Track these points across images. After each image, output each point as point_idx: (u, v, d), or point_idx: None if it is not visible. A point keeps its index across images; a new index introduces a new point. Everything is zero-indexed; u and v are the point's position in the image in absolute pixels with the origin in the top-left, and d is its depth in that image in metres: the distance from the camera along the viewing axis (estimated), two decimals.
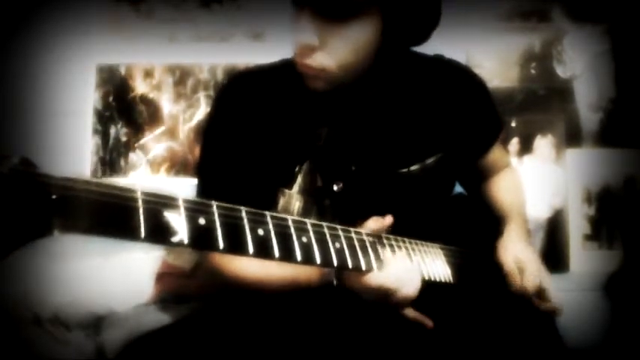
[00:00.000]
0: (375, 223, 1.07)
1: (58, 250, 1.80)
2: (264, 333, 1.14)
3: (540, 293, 1.25)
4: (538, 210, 2.20)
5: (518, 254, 1.27)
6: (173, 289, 1.78)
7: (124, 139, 2.22)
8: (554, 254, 2.20)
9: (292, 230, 0.82)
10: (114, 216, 0.60)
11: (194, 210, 0.69)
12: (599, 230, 2.22)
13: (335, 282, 1.05)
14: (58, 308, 1.69)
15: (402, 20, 1.10)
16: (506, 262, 1.26)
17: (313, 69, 1.10)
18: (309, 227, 0.86)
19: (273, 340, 1.12)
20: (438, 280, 1.17)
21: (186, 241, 0.66)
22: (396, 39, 1.13)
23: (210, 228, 0.70)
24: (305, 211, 1.23)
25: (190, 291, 1.72)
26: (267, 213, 0.80)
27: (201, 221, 0.69)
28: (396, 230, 1.10)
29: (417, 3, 1.09)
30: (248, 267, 1.16)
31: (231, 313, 1.24)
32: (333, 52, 1.08)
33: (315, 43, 1.06)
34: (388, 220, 1.08)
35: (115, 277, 1.82)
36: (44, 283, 1.74)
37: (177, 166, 2.21)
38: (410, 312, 1.09)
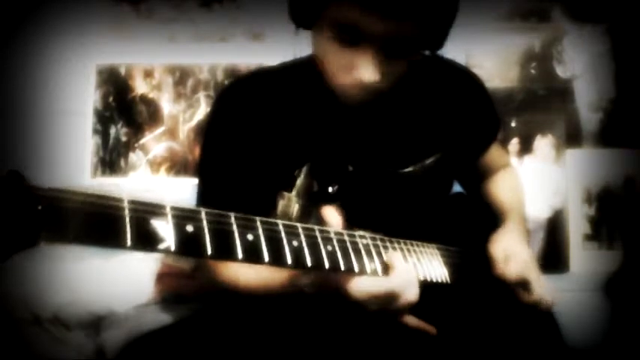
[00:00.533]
0: (331, 213, 1.02)
1: (58, 251, 1.80)
2: (264, 333, 1.14)
3: (525, 285, 1.24)
4: (538, 210, 2.20)
5: (508, 245, 1.26)
6: (173, 289, 1.79)
7: (124, 139, 2.22)
8: (554, 254, 2.20)
9: (282, 234, 0.82)
10: (100, 225, 0.61)
11: (182, 217, 0.69)
12: (599, 230, 2.21)
13: (307, 289, 1.02)
14: (58, 308, 1.70)
15: (434, 37, 1.13)
16: (494, 250, 1.26)
17: (366, 96, 1.12)
18: (300, 231, 0.86)
19: (272, 341, 1.12)
20: (434, 280, 1.17)
21: (173, 249, 0.66)
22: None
23: (198, 235, 0.70)
24: (304, 214, 1.23)
25: (190, 291, 1.72)
26: (257, 218, 0.80)
27: (189, 228, 0.69)
28: (394, 231, 1.10)
29: (448, 19, 1.10)
30: (230, 270, 1.16)
31: (230, 314, 1.24)
32: (392, 79, 1.10)
33: (377, 80, 1.06)
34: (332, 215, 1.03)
35: (115, 277, 1.82)
36: (44, 284, 1.75)
37: (178, 166, 2.22)
38: (411, 320, 1.09)
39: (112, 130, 2.22)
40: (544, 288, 1.24)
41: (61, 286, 1.75)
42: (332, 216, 1.03)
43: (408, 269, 1.04)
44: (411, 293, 1.02)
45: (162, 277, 1.82)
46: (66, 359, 1.62)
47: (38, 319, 1.68)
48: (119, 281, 1.81)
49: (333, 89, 1.14)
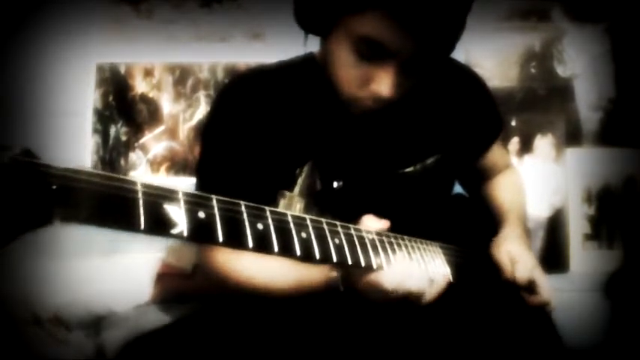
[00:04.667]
0: (371, 222, 1.05)
1: (58, 250, 1.80)
2: (264, 333, 1.14)
3: (531, 287, 1.24)
4: (538, 209, 2.20)
5: (511, 249, 1.26)
6: (173, 289, 1.78)
7: (123, 138, 2.22)
8: (554, 254, 2.20)
9: (291, 225, 0.82)
10: (114, 207, 0.61)
11: (194, 203, 0.69)
12: (599, 230, 2.21)
13: (341, 288, 1.04)
14: (58, 308, 1.69)
15: (447, 51, 1.13)
16: (499, 255, 1.26)
17: (375, 107, 1.12)
18: (309, 223, 0.86)
19: (272, 340, 1.12)
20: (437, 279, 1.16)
21: (185, 234, 0.66)
22: None
23: (209, 221, 0.70)
24: (306, 212, 1.23)
25: (190, 291, 1.72)
26: (267, 208, 0.80)
27: (201, 214, 0.69)
28: (395, 230, 1.10)
29: (460, 32, 1.10)
30: (251, 272, 1.16)
31: (231, 314, 1.24)
32: (404, 91, 1.10)
33: (394, 95, 1.07)
34: (385, 224, 1.06)
35: (115, 277, 1.82)
36: (44, 283, 1.74)
37: (177, 165, 2.22)
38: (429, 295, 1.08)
39: (112, 130, 2.22)
40: (549, 288, 1.25)
41: (61, 286, 1.74)
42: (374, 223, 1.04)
43: (417, 266, 1.06)
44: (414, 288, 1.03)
45: (162, 277, 1.82)
46: (66, 359, 1.61)
47: (38, 319, 1.67)
48: (119, 281, 1.81)
49: (338, 93, 1.14)
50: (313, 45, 1.19)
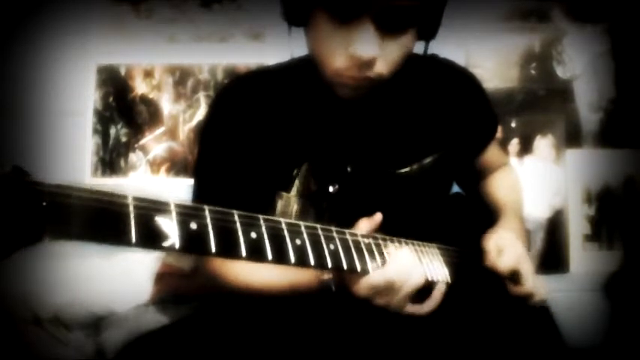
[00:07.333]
0: (366, 224, 1.05)
1: (58, 251, 1.80)
2: (264, 333, 1.14)
3: (515, 276, 1.23)
4: (538, 210, 2.20)
5: (500, 238, 1.25)
6: (173, 289, 1.79)
7: (124, 139, 2.22)
8: (554, 254, 2.20)
9: (285, 232, 0.82)
10: (105, 222, 0.60)
11: (186, 215, 0.69)
12: (599, 230, 2.21)
13: (333, 288, 1.04)
14: (58, 308, 1.70)
15: (432, 21, 1.11)
16: (487, 243, 1.25)
17: (368, 80, 1.09)
18: (303, 229, 0.86)
19: (272, 340, 1.12)
20: (436, 280, 1.17)
21: (177, 246, 0.66)
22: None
23: (202, 232, 0.70)
24: (303, 214, 1.23)
25: (190, 291, 1.72)
26: (261, 216, 0.80)
27: (193, 226, 0.69)
28: (393, 231, 1.10)
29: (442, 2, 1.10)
30: (245, 273, 1.16)
31: (230, 314, 1.24)
32: (390, 61, 1.08)
33: (378, 55, 1.04)
34: (378, 217, 1.07)
35: (115, 277, 1.82)
36: (44, 284, 1.75)
37: (178, 166, 2.21)
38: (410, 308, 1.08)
39: (112, 131, 2.22)
40: (536, 282, 1.24)
41: (61, 286, 1.75)
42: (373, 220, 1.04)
43: (403, 255, 1.04)
44: (414, 277, 1.03)
45: (162, 277, 1.82)
46: (66, 359, 1.62)
47: (38, 319, 1.68)
48: (119, 281, 1.81)
49: (330, 82, 1.13)
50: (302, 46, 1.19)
